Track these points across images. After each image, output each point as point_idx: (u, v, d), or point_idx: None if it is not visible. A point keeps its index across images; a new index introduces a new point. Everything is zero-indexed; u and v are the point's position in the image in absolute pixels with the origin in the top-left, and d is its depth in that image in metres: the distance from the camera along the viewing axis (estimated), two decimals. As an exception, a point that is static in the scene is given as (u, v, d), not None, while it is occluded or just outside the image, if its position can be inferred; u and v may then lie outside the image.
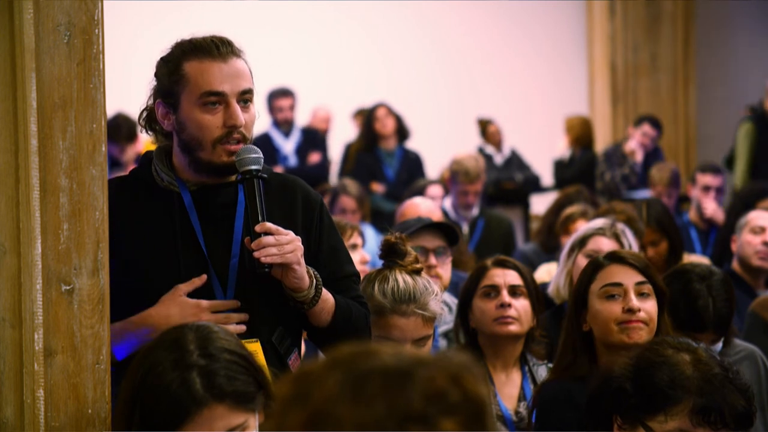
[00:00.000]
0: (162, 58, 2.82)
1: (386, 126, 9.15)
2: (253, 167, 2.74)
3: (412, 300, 3.14)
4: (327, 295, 2.81)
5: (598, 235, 4.26)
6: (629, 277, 3.26)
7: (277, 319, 2.83)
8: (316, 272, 2.79)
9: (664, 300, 3.30)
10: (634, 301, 3.21)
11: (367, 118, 9.32)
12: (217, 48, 2.76)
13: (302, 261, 2.73)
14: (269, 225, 2.71)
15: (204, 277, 2.75)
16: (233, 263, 2.78)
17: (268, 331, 2.81)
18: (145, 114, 2.88)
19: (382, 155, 9.13)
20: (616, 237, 4.26)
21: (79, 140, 2.49)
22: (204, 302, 2.74)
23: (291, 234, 2.72)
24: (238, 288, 2.78)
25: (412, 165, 9.13)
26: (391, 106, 9.28)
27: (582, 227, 4.40)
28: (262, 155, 2.77)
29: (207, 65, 2.75)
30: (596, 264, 3.33)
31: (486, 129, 10.12)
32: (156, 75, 2.82)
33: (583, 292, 3.29)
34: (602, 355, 3.23)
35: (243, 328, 2.74)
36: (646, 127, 9.67)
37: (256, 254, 2.68)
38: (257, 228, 2.70)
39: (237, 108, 2.75)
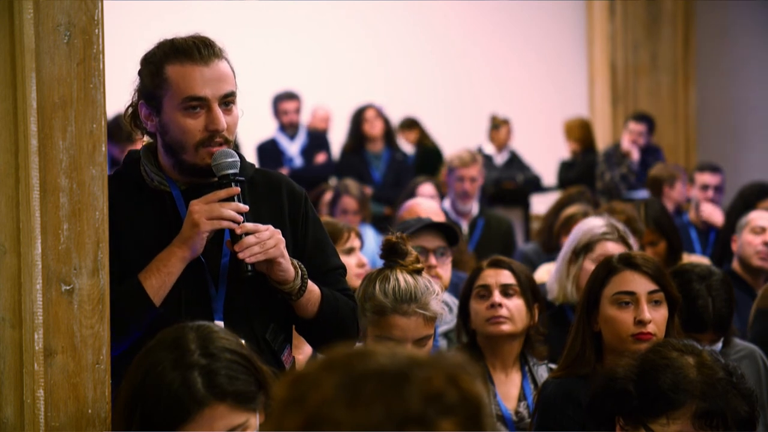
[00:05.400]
0: (144, 58, 2.83)
1: (375, 127, 9.13)
2: (230, 171, 2.78)
3: (414, 300, 3.14)
4: (312, 287, 2.85)
5: (605, 240, 4.17)
6: (642, 286, 3.23)
7: (268, 316, 2.86)
8: (300, 263, 2.83)
9: (676, 306, 3.28)
10: (646, 313, 3.19)
11: (355, 119, 9.29)
12: (199, 51, 2.76)
13: (285, 253, 2.76)
14: (248, 225, 2.74)
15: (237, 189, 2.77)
16: (224, 262, 2.81)
17: (261, 327, 2.84)
18: (130, 111, 2.88)
19: (369, 157, 9.11)
20: (623, 240, 4.18)
21: (79, 140, 2.49)
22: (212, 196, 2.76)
23: (270, 228, 2.76)
24: (229, 286, 2.81)
25: (399, 168, 9.11)
26: (381, 108, 9.26)
27: (580, 227, 4.30)
28: (238, 159, 2.80)
29: (189, 69, 2.76)
30: (610, 267, 3.29)
31: (498, 126, 10.10)
32: (139, 74, 2.83)
33: (595, 294, 3.27)
34: (609, 354, 3.22)
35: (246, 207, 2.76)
36: (632, 125, 9.66)
37: (240, 255, 2.71)
38: (237, 230, 2.73)
39: (219, 112, 2.77)
